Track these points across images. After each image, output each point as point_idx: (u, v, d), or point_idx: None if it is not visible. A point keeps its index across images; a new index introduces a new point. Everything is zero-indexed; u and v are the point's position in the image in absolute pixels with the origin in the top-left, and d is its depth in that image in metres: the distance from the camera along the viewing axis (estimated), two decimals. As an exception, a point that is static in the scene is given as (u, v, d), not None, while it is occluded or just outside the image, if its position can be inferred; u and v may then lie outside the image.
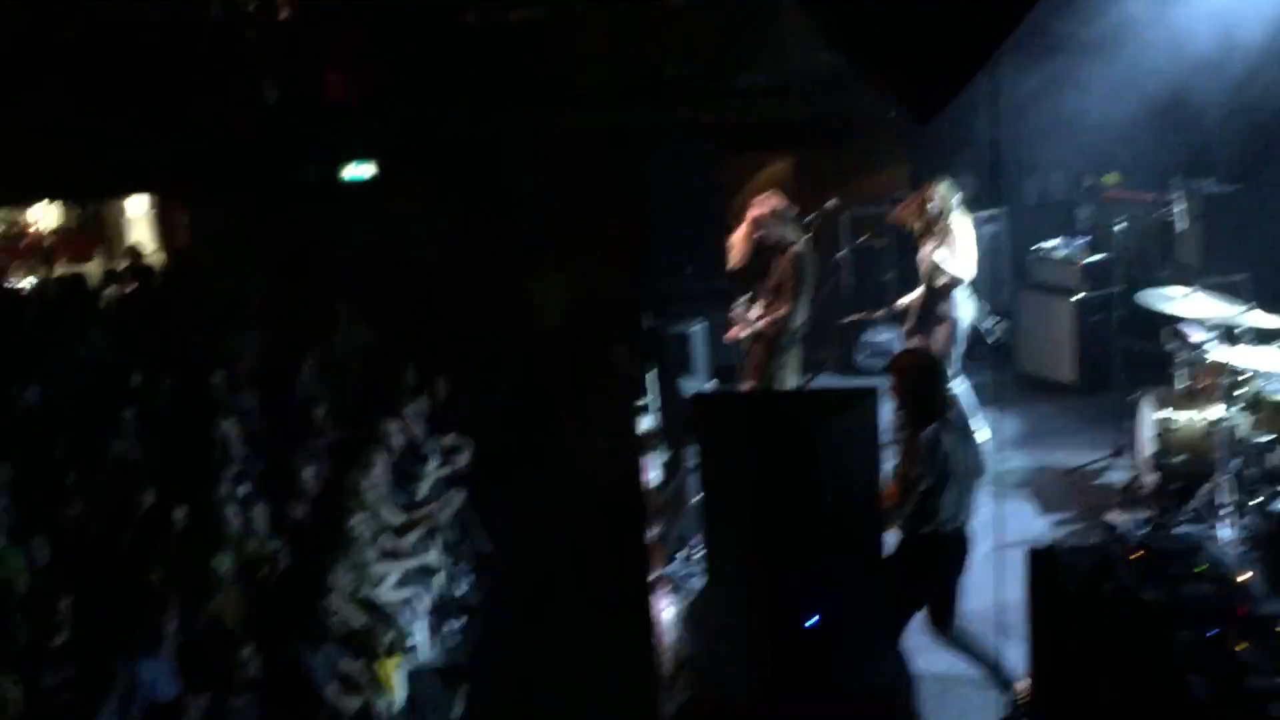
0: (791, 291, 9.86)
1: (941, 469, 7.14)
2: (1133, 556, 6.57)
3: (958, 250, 10.23)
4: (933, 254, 10.28)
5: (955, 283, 10.25)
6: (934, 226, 10.30)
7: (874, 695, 6.67)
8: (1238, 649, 5.90)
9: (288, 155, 14.73)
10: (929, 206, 10.30)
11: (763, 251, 10.06)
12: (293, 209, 15.35)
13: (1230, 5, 10.46)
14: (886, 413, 7.15)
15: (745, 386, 10.22)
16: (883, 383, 7.45)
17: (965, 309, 10.35)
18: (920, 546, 7.23)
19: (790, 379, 10.03)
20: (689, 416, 8.61)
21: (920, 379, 7.38)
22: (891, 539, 7.15)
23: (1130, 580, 6.40)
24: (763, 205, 9.95)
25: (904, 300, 10.70)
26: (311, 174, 15.00)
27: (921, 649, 7.51)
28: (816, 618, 6.21)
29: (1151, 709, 6.01)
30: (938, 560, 7.32)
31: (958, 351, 10.35)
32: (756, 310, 10.04)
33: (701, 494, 6.81)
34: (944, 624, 7.45)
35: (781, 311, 9.87)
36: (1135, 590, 6.33)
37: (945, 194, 10.29)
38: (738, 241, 10.10)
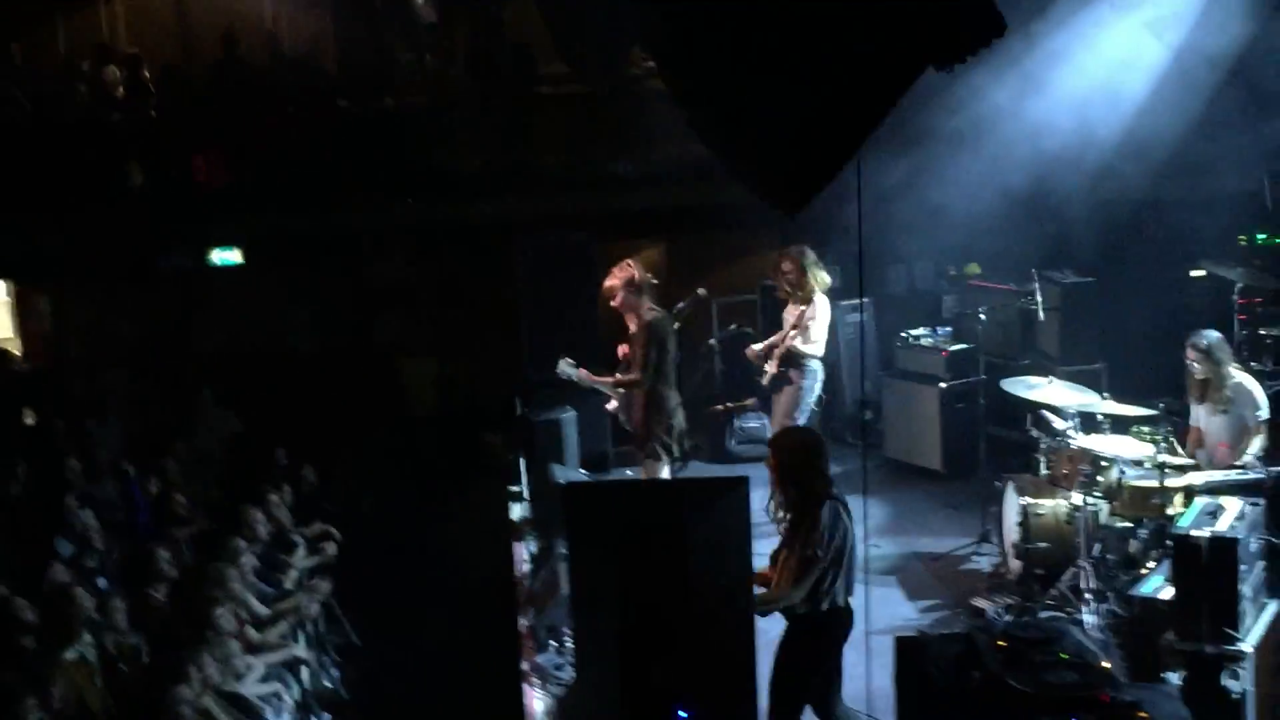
0: (643, 359, 9.70)
1: (840, 545, 7.20)
2: (998, 644, 6.64)
3: (814, 324, 10.57)
4: (791, 324, 10.65)
5: (806, 353, 10.63)
6: (796, 291, 10.70)
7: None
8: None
9: (154, 242, 14.51)
10: (785, 274, 10.69)
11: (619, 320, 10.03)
12: (159, 296, 15.13)
13: (1087, 98, 10.79)
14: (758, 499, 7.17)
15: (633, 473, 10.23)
16: (753, 470, 7.46)
17: (813, 379, 10.68)
18: (819, 622, 7.26)
19: (666, 467, 9.95)
20: (560, 505, 8.56)
21: (804, 458, 7.40)
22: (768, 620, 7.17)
23: (996, 668, 6.47)
24: (617, 275, 9.93)
25: (766, 343, 10.95)
26: (178, 261, 14.77)
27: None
28: (686, 711, 6.17)
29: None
30: (834, 634, 7.37)
31: (802, 419, 10.59)
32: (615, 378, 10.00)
33: (571, 584, 6.78)
34: (833, 699, 7.47)
35: (632, 377, 9.79)
36: (1000, 678, 6.40)
37: (804, 263, 10.60)
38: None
